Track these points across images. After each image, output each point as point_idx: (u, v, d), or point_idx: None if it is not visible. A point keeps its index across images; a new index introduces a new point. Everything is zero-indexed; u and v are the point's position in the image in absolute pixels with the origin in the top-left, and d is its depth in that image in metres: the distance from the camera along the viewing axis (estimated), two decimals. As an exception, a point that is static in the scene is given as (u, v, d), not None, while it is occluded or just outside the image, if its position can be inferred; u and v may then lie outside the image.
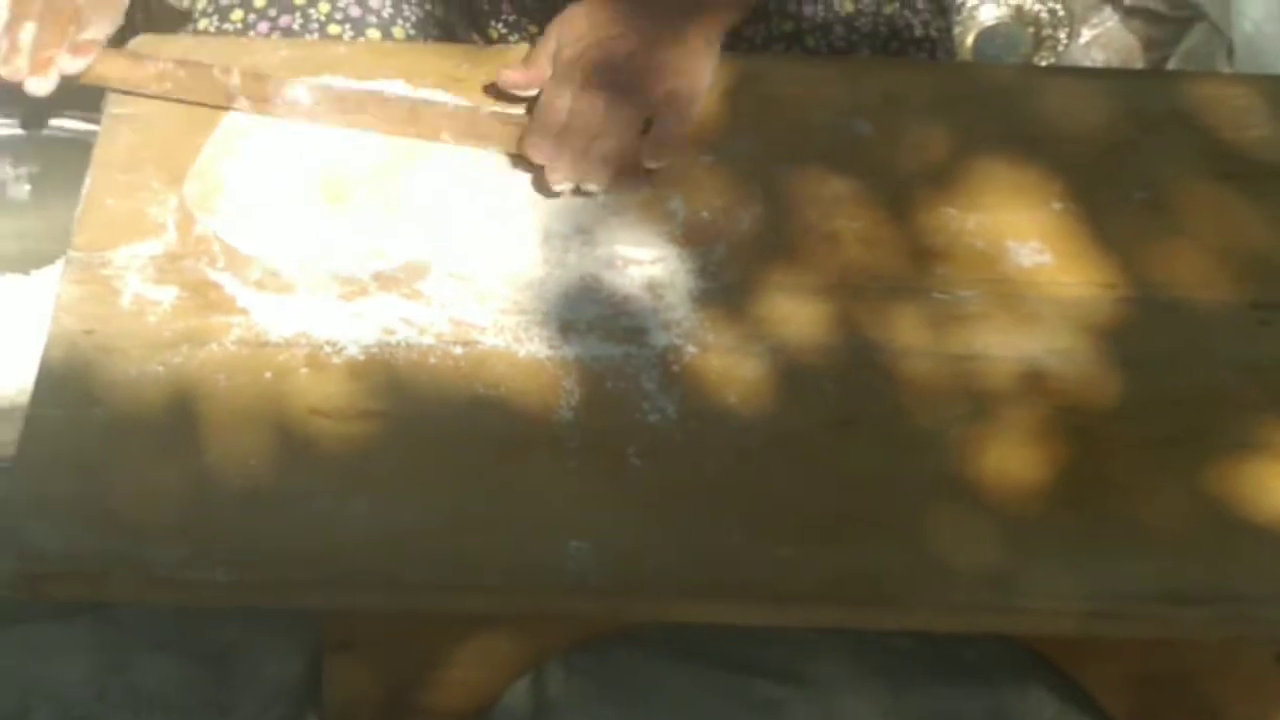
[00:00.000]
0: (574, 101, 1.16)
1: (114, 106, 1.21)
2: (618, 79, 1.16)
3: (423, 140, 1.19)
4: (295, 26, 1.31)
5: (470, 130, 1.19)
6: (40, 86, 1.19)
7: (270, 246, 1.13)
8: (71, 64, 1.19)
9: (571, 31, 1.19)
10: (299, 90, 1.20)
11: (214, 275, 1.11)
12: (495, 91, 1.21)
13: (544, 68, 1.18)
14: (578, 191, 1.15)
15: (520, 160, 1.17)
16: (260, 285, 1.11)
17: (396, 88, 1.22)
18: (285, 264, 1.12)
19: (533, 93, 1.19)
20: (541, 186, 1.16)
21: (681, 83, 1.17)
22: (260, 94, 1.20)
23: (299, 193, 1.16)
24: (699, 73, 1.19)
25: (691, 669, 1.23)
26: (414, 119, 1.19)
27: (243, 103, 1.20)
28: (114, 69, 1.21)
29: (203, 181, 1.16)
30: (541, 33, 1.21)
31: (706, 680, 1.23)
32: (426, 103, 1.21)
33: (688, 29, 1.19)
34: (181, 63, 1.21)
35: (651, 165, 1.16)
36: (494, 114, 1.20)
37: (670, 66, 1.17)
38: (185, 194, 1.15)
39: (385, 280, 1.11)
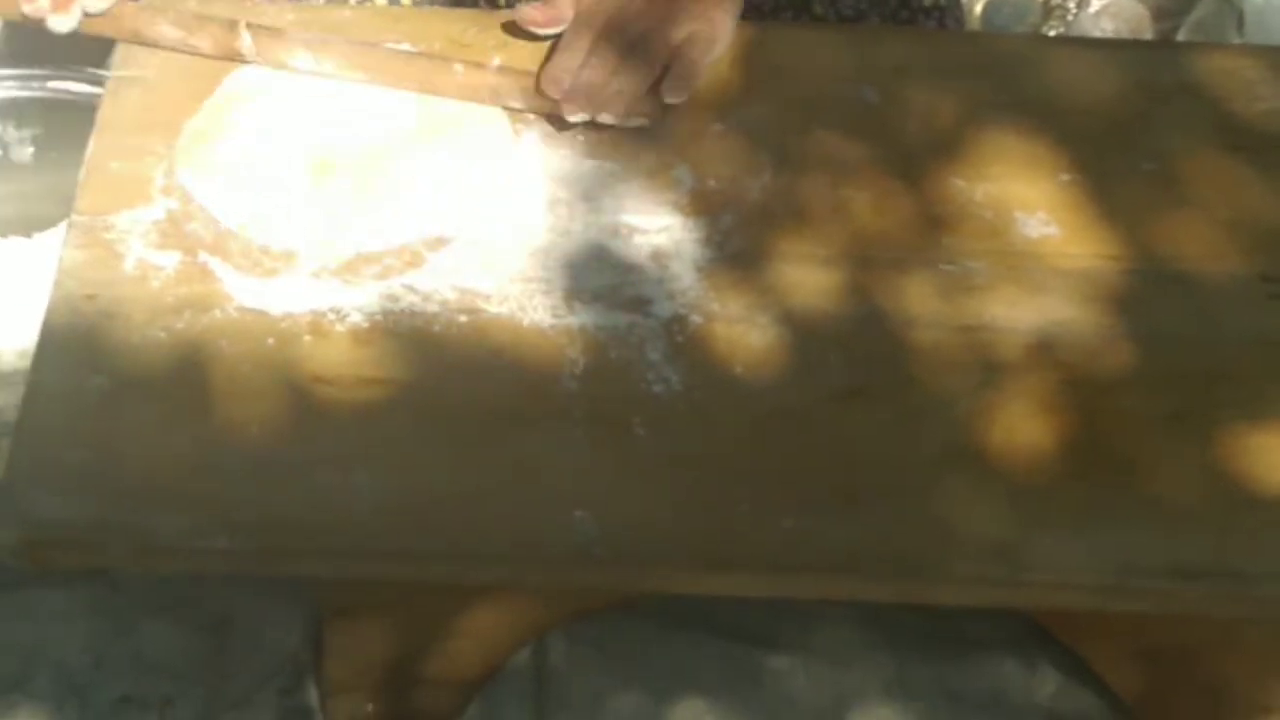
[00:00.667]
0: (593, 43, 1.17)
1: (119, 69, 1.20)
2: (638, 24, 1.18)
3: (430, 96, 1.19)
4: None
5: (479, 83, 1.19)
6: (62, 24, 1.18)
7: (271, 212, 1.12)
8: (95, 2, 1.18)
9: None
10: (307, 48, 1.20)
11: (216, 240, 1.10)
12: (513, 29, 1.23)
13: (565, 9, 1.20)
14: (592, 124, 1.17)
15: (527, 123, 1.17)
16: (263, 251, 1.10)
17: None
18: (287, 231, 1.11)
19: (551, 32, 1.20)
20: (555, 121, 1.17)
21: (700, 27, 1.18)
22: (271, 50, 1.20)
23: (300, 159, 1.15)
24: (719, 19, 1.20)
25: (694, 639, 1.23)
26: (421, 74, 1.19)
27: (252, 55, 1.20)
28: (128, 13, 1.20)
29: (198, 147, 1.16)
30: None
31: (709, 650, 1.23)
32: (432, 58, 1.21)
33: None
34: (197, 16, 1.21)
35: (670, 100, 1.17)
36: (503, 68, 1.20)
37: (689, 12, 1.18)
38: (179, 159, 1.14)
39: (389, 247, 1.11)
